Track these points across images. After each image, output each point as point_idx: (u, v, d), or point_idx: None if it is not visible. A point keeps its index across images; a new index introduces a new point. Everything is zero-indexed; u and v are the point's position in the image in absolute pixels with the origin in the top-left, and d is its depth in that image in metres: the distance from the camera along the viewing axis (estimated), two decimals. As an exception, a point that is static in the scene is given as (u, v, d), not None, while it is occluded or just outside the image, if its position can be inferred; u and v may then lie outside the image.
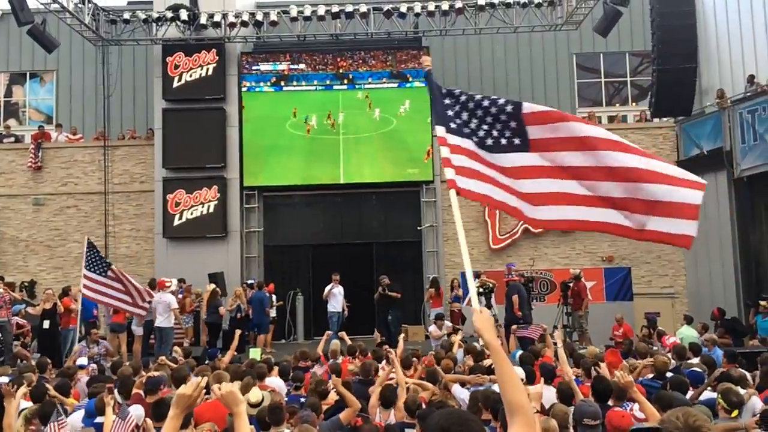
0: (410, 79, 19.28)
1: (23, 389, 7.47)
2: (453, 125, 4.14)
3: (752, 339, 14.33)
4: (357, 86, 19.33)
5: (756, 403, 6.65)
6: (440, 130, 4.09)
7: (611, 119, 21.37)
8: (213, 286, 15.94)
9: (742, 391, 6.61)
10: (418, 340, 16.30)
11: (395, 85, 19.31)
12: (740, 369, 8.10)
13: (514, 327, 12.35)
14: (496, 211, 18.96)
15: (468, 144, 4.09)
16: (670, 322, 17.16)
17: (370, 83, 19.32)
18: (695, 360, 9.23)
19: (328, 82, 19.38)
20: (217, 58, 18.83)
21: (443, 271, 18.38)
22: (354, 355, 10.85)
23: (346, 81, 19.35)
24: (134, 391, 7.38)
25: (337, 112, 19.15)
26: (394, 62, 19.38)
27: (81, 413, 6.79)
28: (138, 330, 15.09)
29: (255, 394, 7.29)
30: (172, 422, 3.00)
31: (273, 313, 16.63)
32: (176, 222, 18.41)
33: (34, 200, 19.41)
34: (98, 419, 6.31)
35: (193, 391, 2.96)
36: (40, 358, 10.58)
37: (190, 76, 18.83)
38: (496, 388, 7.39)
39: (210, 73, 18.84)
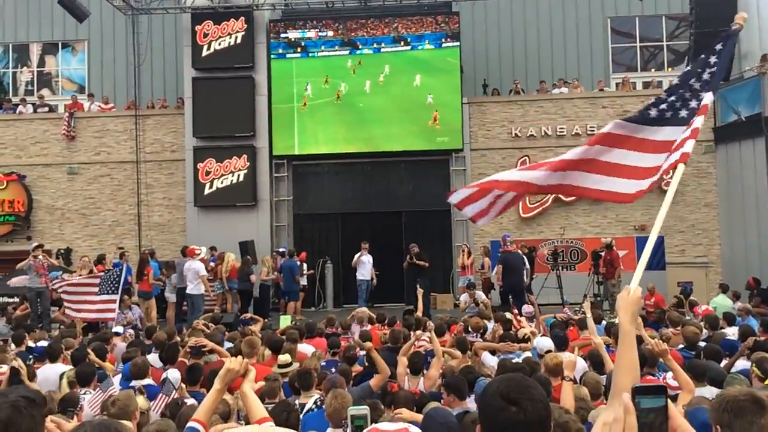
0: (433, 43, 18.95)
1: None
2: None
3: (787, 309, 14.06)
4: (385, 51, 19.11)
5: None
6: (709, 97, 3.65)
7: (646, 85, 20.87)
8: (233, 255, 16.02)
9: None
10: (447, 308, 16.33)
11: (424, 47, 19.02)
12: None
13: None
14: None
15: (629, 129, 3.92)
16: (704, 291, 16.90)
17: (399, 47, 19.07)
18: (730, 330, 9.11)
19: (355, 48, 19.19)
20: (245, 26, 18.76)
21: (472, 240, 18.31)
22: (382, 323, 10.91)
23: (374, 45, 19.12)
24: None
25: (364, 80, 19.00)
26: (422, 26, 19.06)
27: (119, 377, 6.96)
28: (171, 297, 15.38)
29: (284, 357, 7.42)
30: (215, 395, 3.08)
31: (304, 281, 16.77)
32: (207, 191, 18.58)
33: (68, 169, 19.72)
34: (133, 382, 6.46)
35: (240, 367, 3.02)
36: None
37: (219, 44, 18.82)
38: (524, 357, 7.38)
39: (239, 41, 18.80)
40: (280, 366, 7.36)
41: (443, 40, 18.89)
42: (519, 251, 13.99)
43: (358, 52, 19.19)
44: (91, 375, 6.61)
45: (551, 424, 2.12)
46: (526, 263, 14.00)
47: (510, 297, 12.44)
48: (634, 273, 2.72)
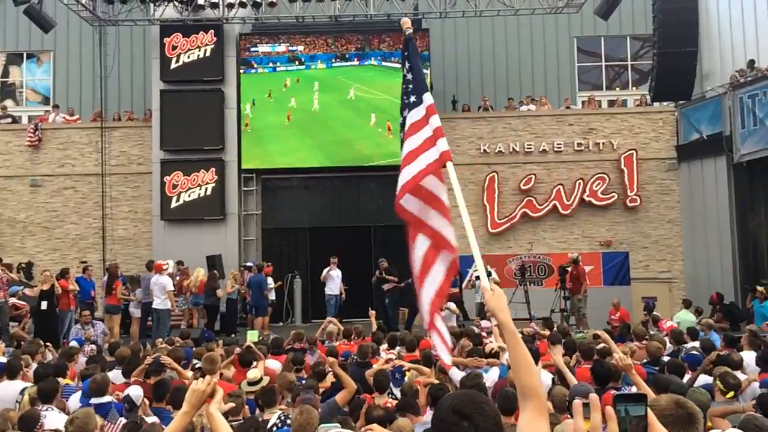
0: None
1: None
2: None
3: (749, 324, 14.35)
4: (355, 66, 19.19)
5: (756, 388, 6.66)
6: (428, 98, 3.99)
7: (611, 103, 21.27)
8: (202, 270, 15.88)
9: (742, 376, 6.61)
10: (417, 324, 16.29)
11: (395, 66, 19.15)
12: (739, 353, 8.10)
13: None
14: (495, 195, 18.94)
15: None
16: (668, 306, 17.19)
17: (369, 65, 19.16)
18: (694, 344, 9.25)
19: (326, 64, 19.24)
20: (215, 39, 18.67)
21: (441, 255, 18.33)
22: (350, 338, 10.85)
23: (345, 62, 19.19)
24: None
25: (335, 94, 19.03)
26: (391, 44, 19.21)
27: (78, 395, 6.78)
28: (136, 312, 15.12)
29: (253, 373, 7.33)
30: (184, 418, 2.98)
31: (272, 296, 16.64)
32: (174, 204, 18.36)
33: (31, 181, 19.33)
34: (93, 400, 6.31)
35: (206, 387, 2.96)
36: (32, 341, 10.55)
37: (188, 57, 18.69)
38: (492, 372, 7.40)
39: (208, 54, 18.70)
40: (250, 383, 7.28)
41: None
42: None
43: (328, 66, 19.22)
44: (53, 392, 6.40)
45: None
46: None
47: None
48: (481, 275, 2.88)
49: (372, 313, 12.08)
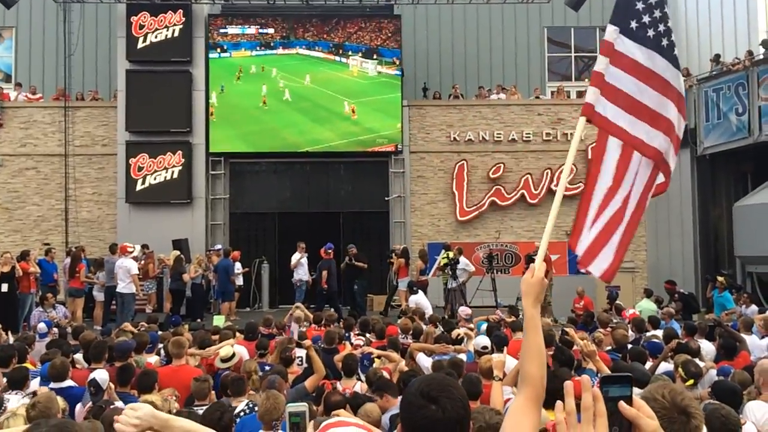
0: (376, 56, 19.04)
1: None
2: (634, 24, 3.38)
3: (708, 313, 14.71)
4: (326, 52, 19.04)
5: (713, 375, 6.83)
6: (611, 31, 3.40)
7: (580, 94, 21.44)
8: (177, 252, 15.75)
9: (701, 364, 6.78)
10: (382, 310, 16.36)
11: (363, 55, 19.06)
12: (698, 341, 8.30)
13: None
14: (464, 183, 19.03)
15: (639, 54, 3.36)
16: (630, 296, 17.50)
17: (337, 52, 19.04)
18: (655, 332, 9.45)
19: (297, 48, 19.05)
20: (183, 19, 18.33)
21: (410, 242, 18.41)
22: (319, 324, 10.84)
23: (316, 49, 19.04)
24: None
25: (304, 78, 18.88)
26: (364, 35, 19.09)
27: (38, 380, 6.66)
28: (99, 296, 14.89)
29: (226, 350, 7.32)
30: None
31: (239, 281, 16.51)
32: (139, 187, 18.06)
33: (-9, 161, 18.83)
34: (52, 384, 6.20)
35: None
36: None
37: (156, 37, 18.32)
38: (461, 357, 7.47)
39: (176, 34, 18.35)
40: (223, 360, 7.26)
41: (382, 48, 18.95)
42: (333, 259, 15.73)
43: (299, 50, 19.03)
44: (23, 379, 6.22)
45: (470, 423, 2.14)
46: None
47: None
48: (538, 254, 2.71)
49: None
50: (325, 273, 15.39)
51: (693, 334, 8.88)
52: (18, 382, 6.12)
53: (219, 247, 16.84)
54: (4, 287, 13.16)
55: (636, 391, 2.04)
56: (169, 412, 4.70)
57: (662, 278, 17.93)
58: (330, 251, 15.66)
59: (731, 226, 17.24)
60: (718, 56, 18.74)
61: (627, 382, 1.85)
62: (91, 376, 5.75)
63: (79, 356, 7.96)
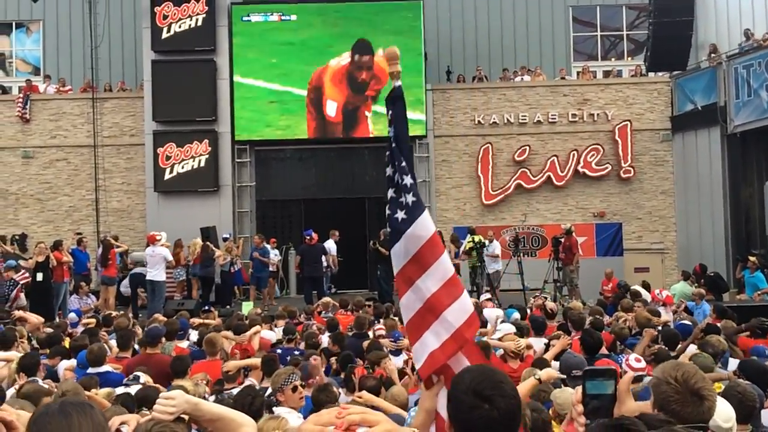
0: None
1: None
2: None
3: (739, 293, 14.50)
4: (352, 37, 18.96)
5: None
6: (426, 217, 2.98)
7: (606, 74, 21.18)
8: (198, 241, 15.83)
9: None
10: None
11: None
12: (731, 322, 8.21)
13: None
14: (489, 166, 18.93)
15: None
16: (659, 277, 17.34)
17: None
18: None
19: (321, 34, 19.00)
20: (206, 8, 18.42)
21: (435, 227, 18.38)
22: (346, 308, 10.93)
23: (341, 33, 18.96)
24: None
25: (328, 64, 18.85)
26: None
27: (66, 363, 6.82)
28: (126, 291, 15.11)
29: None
30: None
31: (272, 267, 16.56)
32: (167, 176, 18.28)
33: (23, 153, 19.19)
34: (90, 369, 6.35)
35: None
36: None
37: (179, 26, 18.45)
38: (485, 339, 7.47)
39: (200, 23, 18.46)
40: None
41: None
42: (317, 244, 15.38)
43: (323, 36, 18.95)
44: (35, 365, 6.29)
45: (521, 414, 2.07)
46: (331, 251, 16.05)
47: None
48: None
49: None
50: (298, 258, 15.62)
51: (724, 316, 8.75)
52: (30, 369, 6.13)
53: (228, 235, 16.81)
54: (39, 277, 13.45)
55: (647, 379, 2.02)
56: (200, 396, 4.81)
57: (692, 259, 17.69)
58: (308, 237, 15.32)
59: (762, 206, 16.90)
60: (748, 31, 18.31)
61: (611, 376, 1.81)
62: (136, 372, 5.78)
63: (113, 342, 8.15)
